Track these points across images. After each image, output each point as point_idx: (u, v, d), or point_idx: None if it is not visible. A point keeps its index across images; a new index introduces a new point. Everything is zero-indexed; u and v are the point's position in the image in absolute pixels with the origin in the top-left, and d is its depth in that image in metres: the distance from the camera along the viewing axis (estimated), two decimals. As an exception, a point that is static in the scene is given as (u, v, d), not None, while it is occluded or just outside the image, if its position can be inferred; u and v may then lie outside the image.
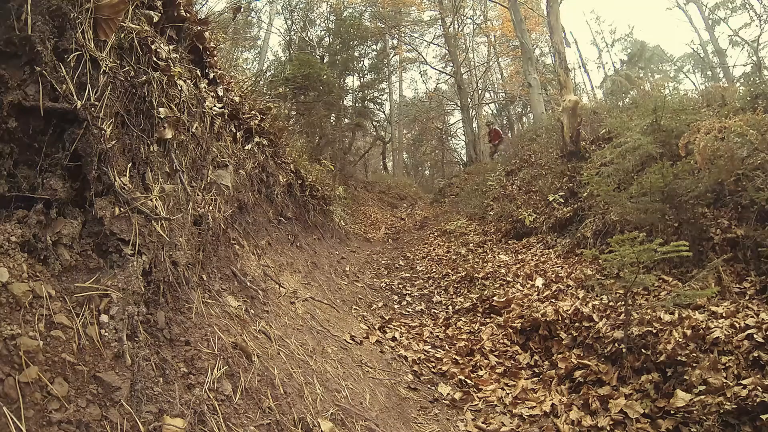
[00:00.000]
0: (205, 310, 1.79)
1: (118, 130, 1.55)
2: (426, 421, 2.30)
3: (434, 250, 6.75)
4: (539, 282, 4.07)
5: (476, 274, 4.70)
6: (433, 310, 4.14)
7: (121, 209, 1.41)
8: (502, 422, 2.37)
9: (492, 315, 3.70)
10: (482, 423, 2.37)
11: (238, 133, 3.06)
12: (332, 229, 6.05)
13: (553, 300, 3.51)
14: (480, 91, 19.45)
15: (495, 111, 20.81)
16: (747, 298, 2.74)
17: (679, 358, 2.26)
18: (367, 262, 5.85)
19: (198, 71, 2.46)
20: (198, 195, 2.08)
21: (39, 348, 1.02)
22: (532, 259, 4.88)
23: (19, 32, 1.20)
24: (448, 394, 2.61)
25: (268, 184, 3.63)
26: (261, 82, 7.63)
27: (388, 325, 3.55)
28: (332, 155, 11.11)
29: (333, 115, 12.77)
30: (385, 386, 2.49)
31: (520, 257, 5.17)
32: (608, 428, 2.16)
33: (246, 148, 3.18)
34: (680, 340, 2.33)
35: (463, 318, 3.82)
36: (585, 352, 2.79)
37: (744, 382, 1.98)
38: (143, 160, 1.67)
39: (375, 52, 16.04)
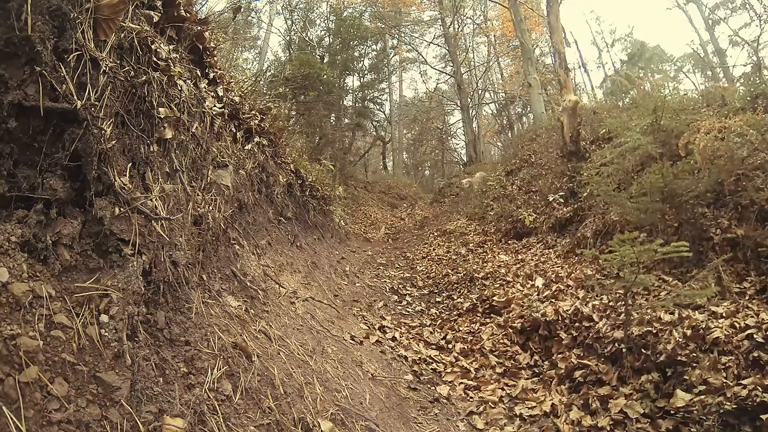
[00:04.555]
0: (205, 310, 1.79)
1: (118, 130, 1.55)
2: (426, 421, 2.30)
3: (434, 250, 6.75)
4: (539, 282, 4.07)
5: (476, 274, 4.70)
6: (432, 310, 4.14)
7: (121, 209, 1.41)
8: (502, 422, 2.37)
9: (492, 315, 3.70)
10: (482, 423, 2.37)
11: (238, 133, 3.06)
12: (332, 229, 6.05)
13: (553, 300, 3.51)
14: (480, 91, 19.45)
15: (495, 111, 20.82)
16: (747, 298, 2.74)
17: (679, 358, 2.26)
18: (367, 262, 5.85)
19: (198, 71, 2.46)
20: (198, 195, 2.08)
21: (39, 348, 1.02)
22: (532, 259, 4.88)
23: (19, 32, 1.20)
24: (449, 394, 2.62)
25: (268, 184, 3.63)
26: (261, 82, 7.63)
27: (388, 326, 3.55)
28: (332, 155, 11.12)
29: (333, 115, 12.78)
30: (385, 386, 2.48)
31: (520, 257, 5.17)
32: (608, 428, 2.17)
33: (246, 148, 3.18)
34: (680, 340, 2.33)
35: (463, 318, 3.82)
36: (585, 352, 2.79)
37: (744, 382, 1.98)
38: (143, 160, 1.67)
39: (375, 52, 16.04)
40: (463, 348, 3.22)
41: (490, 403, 2.54)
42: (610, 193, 3.92)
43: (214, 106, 2.54)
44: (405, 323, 3.72)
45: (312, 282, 3.57)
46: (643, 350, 2.44)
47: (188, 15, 2.33)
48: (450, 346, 3.28)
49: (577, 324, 3.00)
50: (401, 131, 23.82)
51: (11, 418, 0.90)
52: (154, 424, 1.19)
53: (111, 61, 1.53)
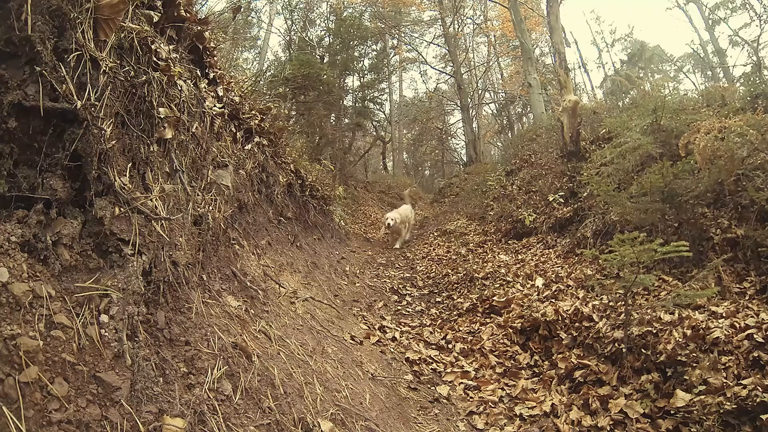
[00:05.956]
0: (205, 310, 1.79)
1: (118, 130, 1.55)
2: (426, 421, 2.30)
3: (434, 250, 6.76)
4: (539, 282, 4.07)
5: (476, 274, 4.70)
6: (432, 310, 4.14)
7: (121, 209, 1.41)
8: (502, 422, 2.37)
9: (492, 315, 3.70)
10: (482, 423, 2.37)
11: (238, 133, 3.06)
12: (332, 229, 6.05)
13: (553, 300, 3.51)
14: (480, 91, 19.46)
15: (495, 111, 20.83)
16: (747, 298, 2.74)
17: (679, 358, 2.26)
18: (367, 262, 5.85)
19: (198, 71, 2.46)
20: (198, 195, 2.08)
21: (39, 348, 1.02)
22: (532, 259, 4.88)
23: (19, 32, 1.20)
24: (449, 394, 2.62)
25: (268, 184, 3.63)
26: (261, 82, 7.64)
27: (388, 325, 3.55)
28: (332, 155, 11.12)
29: (333, 115, 12.77)
30: (385, 386, 2.49)
31: (520, 257, 5.17)
32: (608, 428, 2.16)
33: (246, 148, 3.18)
34: (680, 340, 2.33)
35: (463, 318, 3.82)
36: (585, 352, 2.79)
37: (744, 382, 1.98)
38: (143, 160, 1.67)
39: (375, 52, 16.02)
40: (463, 348, 3.22)
41: (490, 403, 2.54)
42: (610, 193, 3.92)
43: (214, 106, 2.54)
44: (405, 323, 3.72)
45: (312, 282, 3.57)
46: (643, 350, 2.44)
47: (188, 15, 2.33)
48: (450, 346, 3.28)
49: (577, 324, 3.00)
50: (401, 131, 23.83)
51: (11, 418, 0.90)
52: (154, 424, 1.19)
53: (111, 61, 1.53)
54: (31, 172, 1.25)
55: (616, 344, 2.59)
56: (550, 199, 5.68)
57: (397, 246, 7.24)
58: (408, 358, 2.97)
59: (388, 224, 7.04)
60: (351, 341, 2.86)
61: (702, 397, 2.02)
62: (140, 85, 1.67)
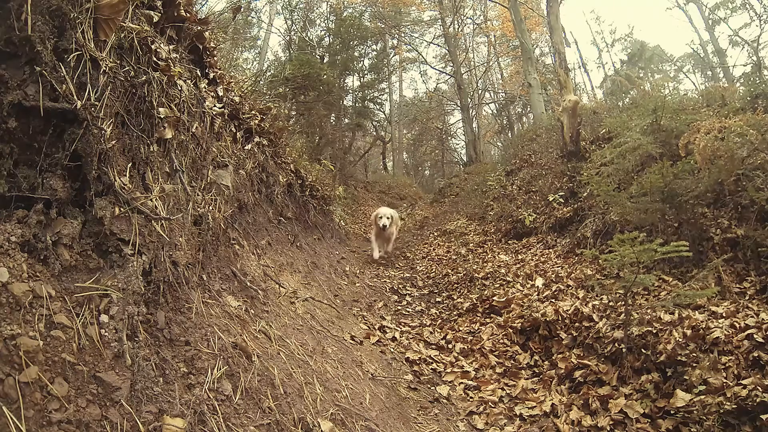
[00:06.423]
0: (205, 310, 1.79)
1: (118, 130, 1.55)
2: (426, 421, 2.30)
3: (434, 250, 6.75)
4: (539, 282, 4.07)
5: (476, 274, 4.70)
6: (432, 310, 4.14)
7: (121, 209, 1.41)
8: (502, 422, 2.37)
9: (492, 315, 3.70)
10: (482, 423, 2.37)
11: (238, 133, 3.06)
12: (332, 229, 6.05)
13: (553, 300, 3.51)
14: (480, 91, 19.46)
15: (495, 111, 20.83)
16: (747, 298, 2.74)
17: (679, 358, 2.26)
18: (367, 262, 5.85)
19: (198, 71, 2.46)
20: (198, 195, 2.08)
21: (39, 348, 1.02)
22: (532, 259, 4.87)
23: (19, 32, 1.20)
24: (449, 394, 2.61)
25: (268, 184, 3.63)
26: (261, 82, 7.64)
27: (388, 325, 3.55)
28: (332, 155, 11.13)
29: (333, 115, 12.78)
30: (385, 386, 2.48)
31: (520, 257, 5.17)
32: (608, 428, 2.16)
33: (246, 148, 3.18)
34: (680, 340, 2.33)
35: (463, 318, 3.82)
36: (585, 352, 2.79)
37: (744, 382, 1.97)
38: (143, 160, 1.67)
39: (375, 52, 16.07)
40: (463, 348, 3.22)
41: (490, 403, 2.54)
42: (610, 193, 3.92)
43: (214, 106, 2.54)
44: (405, 323, 3.72)
45: (312, 282, 3.56)
46: (643, 350, 2.44)
47: (188, 15, 2.33)
48: (450, 346, 3.28)
49: (577, 324, 3.00)
50: (401, 131, 23.85)
51: (11, 418, 0.90)
52: (154, 424, 1.19)
53: (111, 61, 1.53)
54: (31, 172, 1.25)
55: (616, 344, 2.59)
56: (550, 199, 5.68)
57: (376, 255, 5.72)
58: (408, 358, 2.97)
59: (384, 225, 5.65)
60: (351, 341, 2.86)
61: (702, 397, 2.02)
62: (140, 85, 1.67)
